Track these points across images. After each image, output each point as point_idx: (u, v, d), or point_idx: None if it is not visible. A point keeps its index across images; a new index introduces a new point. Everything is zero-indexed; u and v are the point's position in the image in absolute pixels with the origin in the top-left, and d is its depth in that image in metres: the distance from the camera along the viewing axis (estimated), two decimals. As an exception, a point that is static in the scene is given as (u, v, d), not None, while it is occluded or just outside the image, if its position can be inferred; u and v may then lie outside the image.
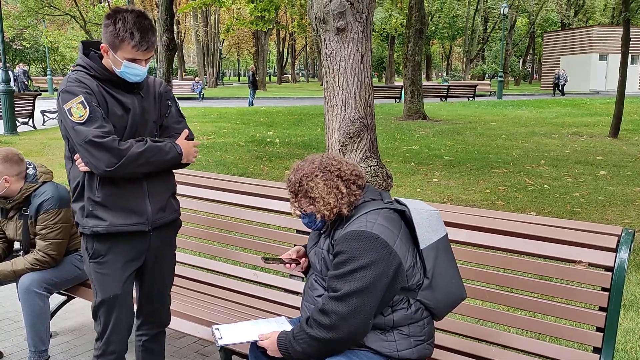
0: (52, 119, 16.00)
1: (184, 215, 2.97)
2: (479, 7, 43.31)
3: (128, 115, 2.12)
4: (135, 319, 2.37)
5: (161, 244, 2.29)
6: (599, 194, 6.91)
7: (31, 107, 14.45)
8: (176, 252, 2.49)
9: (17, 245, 3.14)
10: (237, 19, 14.20)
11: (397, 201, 2.03)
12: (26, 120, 14.38)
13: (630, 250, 2.15)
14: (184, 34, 54.42)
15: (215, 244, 3.31)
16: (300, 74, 76.91)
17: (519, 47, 51.16)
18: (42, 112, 15.59)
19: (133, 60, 2.06)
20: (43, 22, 25.64)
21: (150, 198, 2.19)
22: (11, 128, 12.72)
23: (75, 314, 3.69)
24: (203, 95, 28.80)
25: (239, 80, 75.93)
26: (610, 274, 2.12)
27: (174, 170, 2.33)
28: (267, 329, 2.02)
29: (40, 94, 16.37)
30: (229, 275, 3.14)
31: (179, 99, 22.82)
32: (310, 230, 2.12)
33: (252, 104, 23.36)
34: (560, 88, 31.96)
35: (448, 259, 1.99)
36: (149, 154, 2.07)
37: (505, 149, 10.61)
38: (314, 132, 13.17)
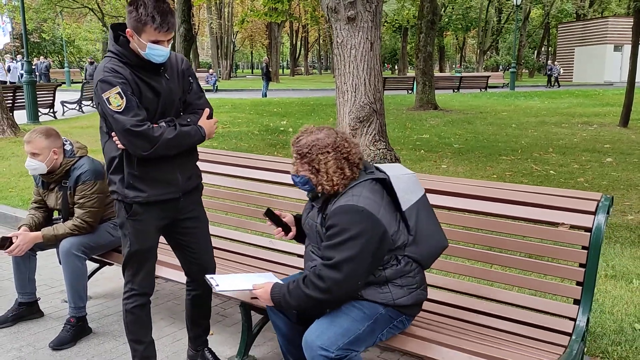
0: (72, 109, 16.46)
1: (207, 189, 3.26)
2: (492, -2, 43.08)
3: (159, 99, 2.38)
4: (185, 276, 2.73)
5: (190, 205, 2.60)
6: (603, 179, 7.10)
7: (52, 98, 14.88)
8: None
9: (55, 215, 3.46)
10: (251, 11, 14.48)
11: (377, 169, 2.25)
12: (47, 110, 14.81)
13: (607, 213, 2.39)
14: (198, 26, 54.79)
15: (234, 215, 3.61)
16: (313, 66, 77.01)
17: (533, 39, 50.76)
18: (62, 102, 16.02)
19: (156, 42, 2.28)
20: (60, 15, 26.16)
21: (180, 170, 2.49)
22: (33, 117, 13.13)
23: (105, 281, 4.02)
24: (217, 87, 29.15)
25: (252, 72, 76.26)
26: (589, 234, 2.38)
27: None
28: (259, 281, 2.31)
29: (60, 85, 16.82)
30: (247, 243, 3.44)
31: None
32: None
33: (266, 95, 23.66)
34: (552, 80, 31.80)
35: (428, 215, 2.26)
36: (179, 139, 2.36)
37: (514, 138, 10.79)
38: (326, 122, 13.43)
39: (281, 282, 2.27)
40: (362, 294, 2.17)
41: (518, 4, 26.84)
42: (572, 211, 2.45)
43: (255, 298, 2.35)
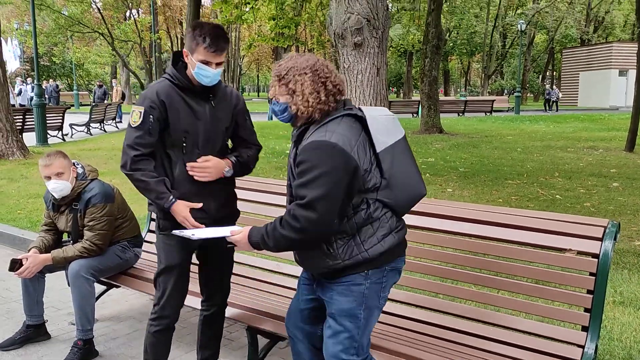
0: (80, 131, 16.63)
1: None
2: (497, 24, 43.53)
3: (200, 122, 2.50)
4: (201, 295, 2.79)
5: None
6: (609, 204, 7.08)
7: (61, 120, 15.06)
8: None
9: (65, 237, 3.50)
10: (258, 36, 14.69)
11: (359, 109, 2.19)
12: (56, 132, 14.97)
13: (614, 239, 2.40)
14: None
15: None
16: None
17: (537, 63, 51.16)
18: (71, 125, 16.20)
19: (205, 63, 2.42)
20: (71, 39, 26.68)
21: (214, 197, 2.57)
22: (42, 139, 13.28)
23: (113, 304, 4.03)
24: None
25: (258, 95, 76.92)
26: (596, 260, 2.38)
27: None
28: (236, 229, 2.31)
29: (69, 108, 17.02)
30: (252, 266, 3.46)
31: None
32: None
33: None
34: (550, 104, 31.75)
35: (406, 159, 2.18)
36: (144, 186, 2.44)
37: (519, 162, 10.80)
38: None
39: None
40: (336, 263, 2.09)
41: (522, 29, 27.11)
42: (579, 237, 2.46)
43: (232, 245, 2.32)
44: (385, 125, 2.17)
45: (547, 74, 54.96)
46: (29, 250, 3.26)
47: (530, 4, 43.02)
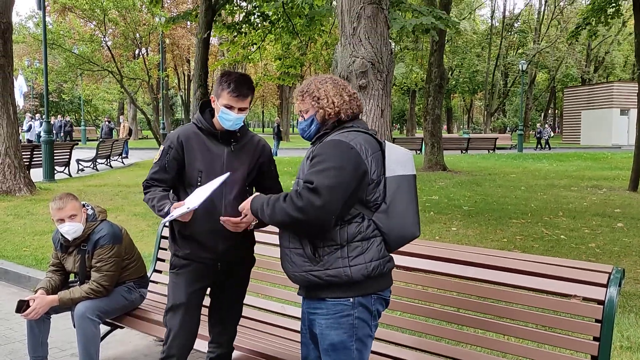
0: (87, 167, 16.77)
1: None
2: (498, 63, 44.24)
3: (216, 164, 2.60)
4: (208, 336, 2.83)
5: (227, 277, 2.72)
6: (614, 244, 7.06)
7: (68, 156, 15.22)
8: None
9: (71, 278, 3.52)
10: (264, 75, 14.99)
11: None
12: (62, 168, 15.11)
13: (619, 286, 2.42)
14: (212, 86, 56.40)
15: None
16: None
17: (539, 101, 51.66)
18: (78, 161, 16.35)
19: (229, 107, 2.54)
20: (80, 76, 27.27)
21: (222, 239, 2.60)
22: (49, 176, 13.40)
23: (117, 344, 4.01)
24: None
25: (262, 131, 77.57)
26: (601, 307, 2.39)
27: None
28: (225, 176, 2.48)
29: (77, 144, 17.21)
30: (258, 308, 3.45)
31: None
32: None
33: (277, 154, 24.02)
34: (542, 142, 31.81)
35: (410, 197, 2.22)
36: (150, 202, 2.61)
37: (523, 201, 10.82)
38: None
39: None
40: (316, 270, 2.10)
41: (524, 69, 27.52)
42: (583, 283, 2.47)
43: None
44: (400, 158, 2.26)
45: (549, 112, 55.47)
46: (36, 291, 3.28)
47: (531, 44, 43.80)
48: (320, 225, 2.07)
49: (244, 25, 11.29)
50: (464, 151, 26.05)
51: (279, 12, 10.83)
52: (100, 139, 19.97)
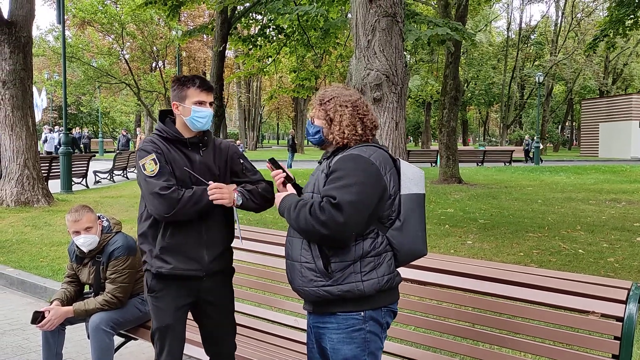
0: (104, 178, 16.98)
1: (236, 265, 3.32)
2: (514, 75, 44.02)
3: (194, 171, 2.52)
4: (206, 354, 2.75)
5: (214, 288, 2.64)
6: (634, 259, 6.93)
7: (85, 168, 15.42)
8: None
9: (86, 289, 3.54)
10: (279, 87, 15.08)
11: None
12: (80, 180, 15.30)
13: (639, 302, 2.36)
14: (227, 99, 56.96)
15: (260, 292, 3.63)
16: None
17: (556, 114, 51.20)
18: (95, 172, 16.57)
19: (200, 104, 2.52)
20: (99, 89, 27.67)
21: (207, 248, 2.56)
22: (67, 187, 13.57)
23: (129, 356, 4.02)
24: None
25: (277, 143, 77.99)
26: (620, 324, 2.34)
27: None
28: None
29: (94, 156, 17.46)
30: (271, 321, 3.44)
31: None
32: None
33: (291, 166, 24.08)
34: (530, 155, 31.15)
35: (420, 216, 2.23)
36: (193, 200, 2.43)
37: (540, 214, 10.68)
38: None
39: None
40: (329, 285, 2.08)
41: (540, 81, 27.33)
42: (601, 299, 2.42)
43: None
44: (414, 176, 2.26)
45: (567, 124, 54.94)
46: (51, 302, 3.31)
47: (548, 56, 43.54)
48: (341, 241, 2.07)
49: (259, 38, 11.38)
50: (479, 164, 25.87)
51: (294, 25, 10.91)
52: (118, 151, 20.22)
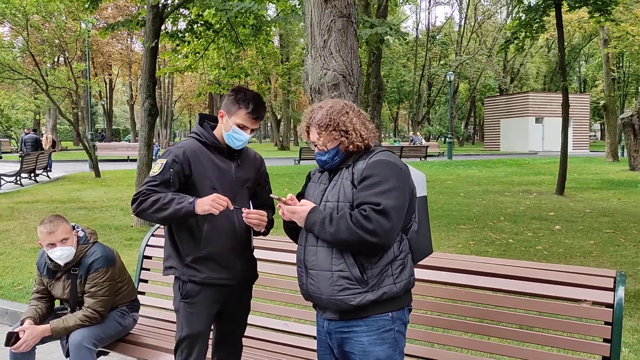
0: (9, 182, 15.62)
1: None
2: (424, 74, 45.98)
3: (226, 180, 2.51)
4: (211, 358, 2.68)
5: (243, 294, 2.65)
6: (559, 246, 7.52)
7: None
8: None
9: (57, 304, 3.28)
10: (209, 85, 14.77)
11: None
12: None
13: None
14: (136, 96, 54.63)
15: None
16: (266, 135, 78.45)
17: (461, 111, 54.15)
18: (0, 175, 15.22)
19: (242, 127, 2.47)
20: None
21: (239, 257, 2.55)
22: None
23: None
24: (159, 156, 28.74)
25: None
26: (611, 309, 2.55)
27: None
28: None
29: (1, 157, 16.02)
30: (260, 327, 3.38)
31: (134, 160, 22.72)
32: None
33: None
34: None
35: (426, 217, 2.33)
36: (158, 204, 2.37)
37: (466, 207, 11.28)
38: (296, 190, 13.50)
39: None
40: (362, 292, 2.09)
41: (451, 79, 28.77)
42: (591, 288, 2.62)
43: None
44: (419, 180, 2.32)
45: (470, 120, 58.30)
46: (22, 322, 3.03)
47: (453, 56, 45.93)
48: (386, 247, 2.10)
49: (187, 34, 11.04)
50: (396, 159, 26.66)
51: (222, 22, 10.68)
52: (23, 152, 18.65)
